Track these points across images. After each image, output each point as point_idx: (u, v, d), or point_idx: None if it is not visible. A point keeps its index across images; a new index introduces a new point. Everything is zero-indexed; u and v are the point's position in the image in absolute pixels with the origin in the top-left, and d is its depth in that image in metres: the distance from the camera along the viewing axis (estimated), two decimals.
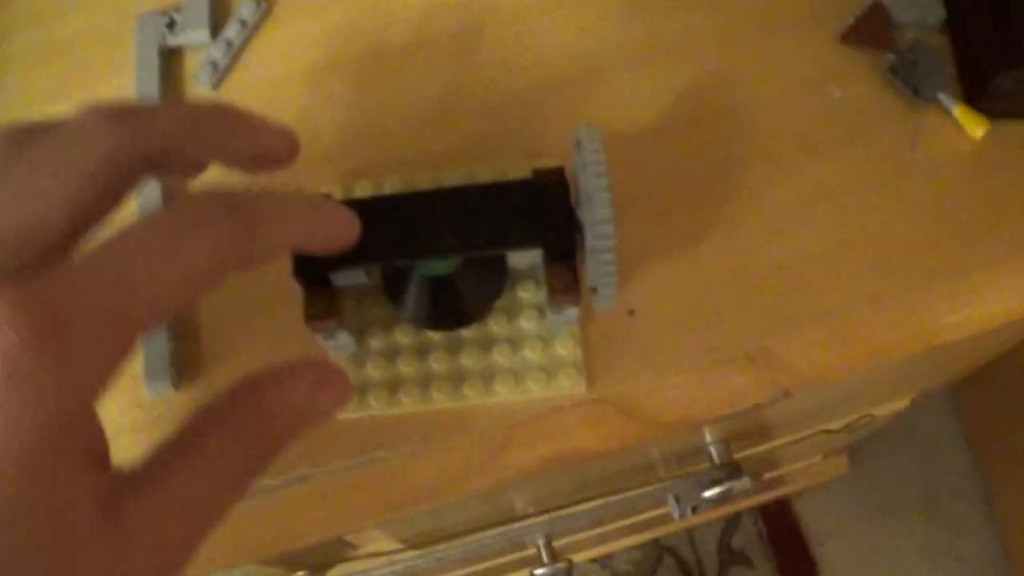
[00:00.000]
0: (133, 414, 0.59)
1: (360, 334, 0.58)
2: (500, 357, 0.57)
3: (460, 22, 0.68)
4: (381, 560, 0.86)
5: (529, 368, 0.57)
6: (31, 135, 0.37)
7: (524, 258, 0.55)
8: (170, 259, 0.33)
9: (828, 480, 1.82)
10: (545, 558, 1.13)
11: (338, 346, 0.57)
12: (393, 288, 0.56)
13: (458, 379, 0.57)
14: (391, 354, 0.57)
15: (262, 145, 0.43)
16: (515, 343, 0.57)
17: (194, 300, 0.34)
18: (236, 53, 0.68)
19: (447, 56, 0.67)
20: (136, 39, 0.68)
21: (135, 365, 0.59)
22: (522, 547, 1.22)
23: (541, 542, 1.15)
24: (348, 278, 0.54)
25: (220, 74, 0.67)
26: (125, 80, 0.68)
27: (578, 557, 1.71)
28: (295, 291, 0.51)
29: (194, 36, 0.68)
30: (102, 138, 0.36)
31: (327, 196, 0.54)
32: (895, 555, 1.87)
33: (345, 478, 0.57)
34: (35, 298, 0.30)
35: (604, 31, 0.66)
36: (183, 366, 0.60)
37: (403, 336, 0.57)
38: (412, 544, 0.84)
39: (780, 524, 1.91)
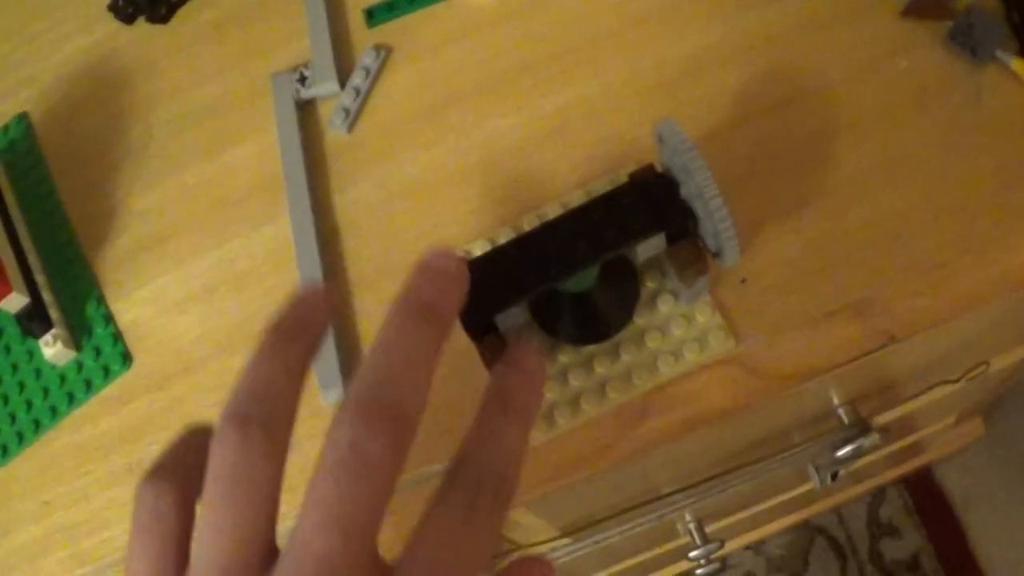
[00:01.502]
0: (311, 423, 0.66)
1: None
2: (654, 343, 0.62)
3: (560, 45, 0.75)
4: (542, 550, 0.91)
5: (682, 343, 0.62)
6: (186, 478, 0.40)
7: (647, 250, 0.59)
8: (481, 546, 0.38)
9: (966, 445, 1.82)
10: (697, 540, 1.17)
11: None
12: (545, 321, 0.62)
13: (626, 375, 0.62)
14: (561, 375, 0.63)
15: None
16: (662, 327, 0.63)
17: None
18: (364, 98, 0.75)
19: (548, 79, 0.74)
20: (273, 96, 0.76)
21: (310, 377, 0.66)
22: (675, 535, 1.26)
23: (692, 526, 1.18)
24: (509, 319, 0.58)
25: (352, 119, 0.74)
26: (266, 136, 0.76)
27: (731, 545, 1.74)
28: None
29: (325, 88, 0.75)
30: (270, 465, 0.38)
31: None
32: None
33: None
34: None
35: (688, 36, 0.73)
36: (351, 375, 0.66)
37: (565, 356, 0.63)
38: (568, 531, 0.89)
39: (925, 493, 1.90)
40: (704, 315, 0.63)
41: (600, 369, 0.62)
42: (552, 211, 0.67)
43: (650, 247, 0.58)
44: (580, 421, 0.63)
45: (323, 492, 0.36)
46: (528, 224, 0.66)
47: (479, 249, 0.66)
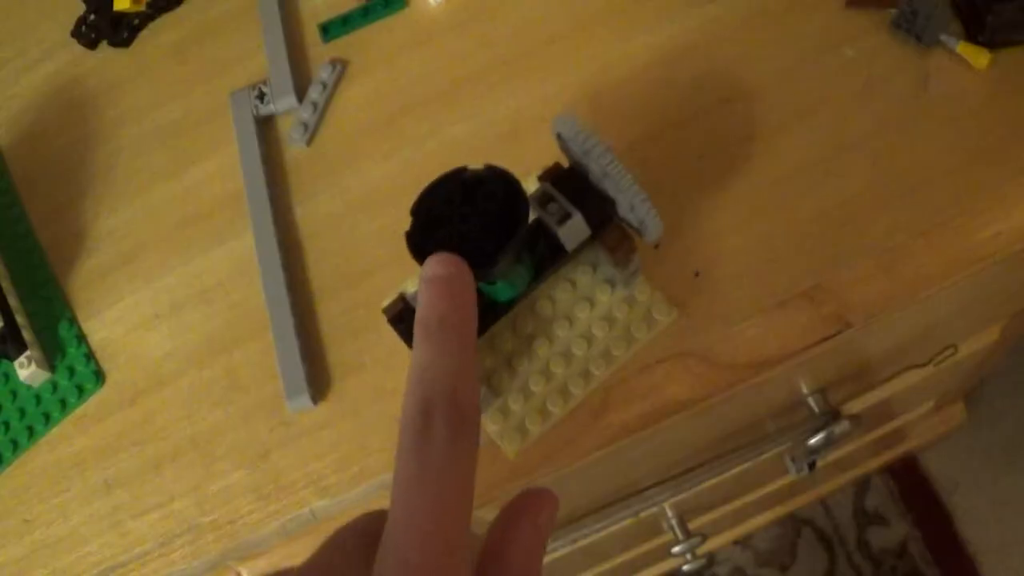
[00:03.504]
0: (280, 432, 0.67)
1: (489, 384, 0.63)
2: (600, 332, 0.63)
3: (511, 52, 0.76)
4: None
5: (628, 324, 0.63)
6: None
7: (572, 239, 0.57)
8: None
9: (949, 431, 1.82)
10: (679, 535, 1.18)
11: (482, 405, 0.62)
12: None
13: (583, 369, 0.63)
14: (522, 385, 0.63)
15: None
16: (605, 315, 0.64)
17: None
18: (321, 112, 0.76)
19: (500, 85, 0.75)
20: (232, 113, 0.77)
21: (277, 386, 0.68)
22: (658, 532, 1.27)
23: (674, 521, 1.19)
24: None
25: (310, 132, 0.76)
26: (228, 152, 0.77)
27: (717, 540, 1.75)
28: None
29: (283, 103, 0.77)
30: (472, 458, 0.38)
31: None
32: None
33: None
34: None
35: (636, 36, 0.74)
36: (317, 383, 0.68)
37: (521, 365, 0.63)
38: None
39: (910, 480, 1.91)
40: (643, 293, 0.64)
41: (557, 370, 0.63)
42: None
43: (574, 235, 0.57)
44: (551, 424, 0.63)
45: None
46: None
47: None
